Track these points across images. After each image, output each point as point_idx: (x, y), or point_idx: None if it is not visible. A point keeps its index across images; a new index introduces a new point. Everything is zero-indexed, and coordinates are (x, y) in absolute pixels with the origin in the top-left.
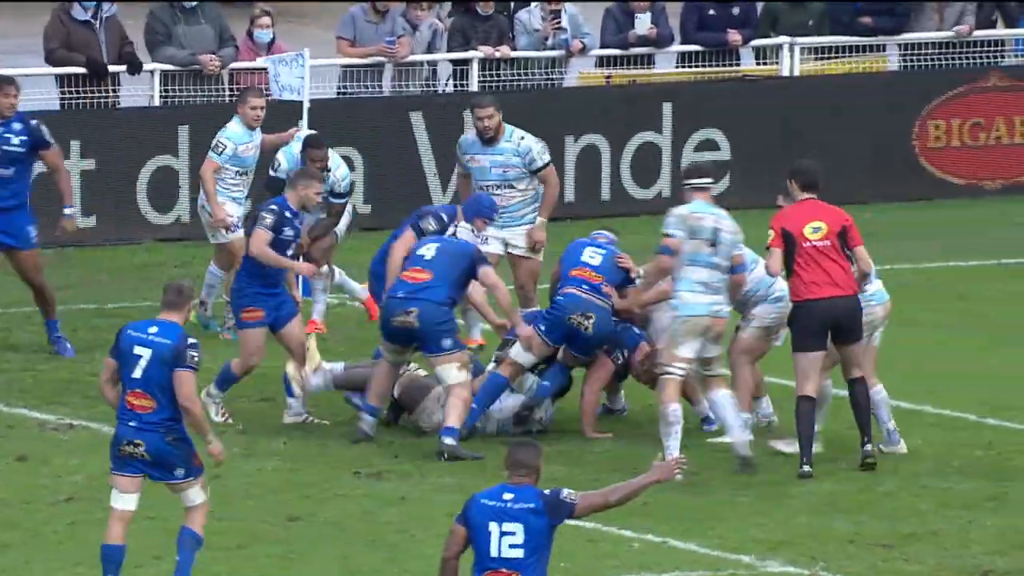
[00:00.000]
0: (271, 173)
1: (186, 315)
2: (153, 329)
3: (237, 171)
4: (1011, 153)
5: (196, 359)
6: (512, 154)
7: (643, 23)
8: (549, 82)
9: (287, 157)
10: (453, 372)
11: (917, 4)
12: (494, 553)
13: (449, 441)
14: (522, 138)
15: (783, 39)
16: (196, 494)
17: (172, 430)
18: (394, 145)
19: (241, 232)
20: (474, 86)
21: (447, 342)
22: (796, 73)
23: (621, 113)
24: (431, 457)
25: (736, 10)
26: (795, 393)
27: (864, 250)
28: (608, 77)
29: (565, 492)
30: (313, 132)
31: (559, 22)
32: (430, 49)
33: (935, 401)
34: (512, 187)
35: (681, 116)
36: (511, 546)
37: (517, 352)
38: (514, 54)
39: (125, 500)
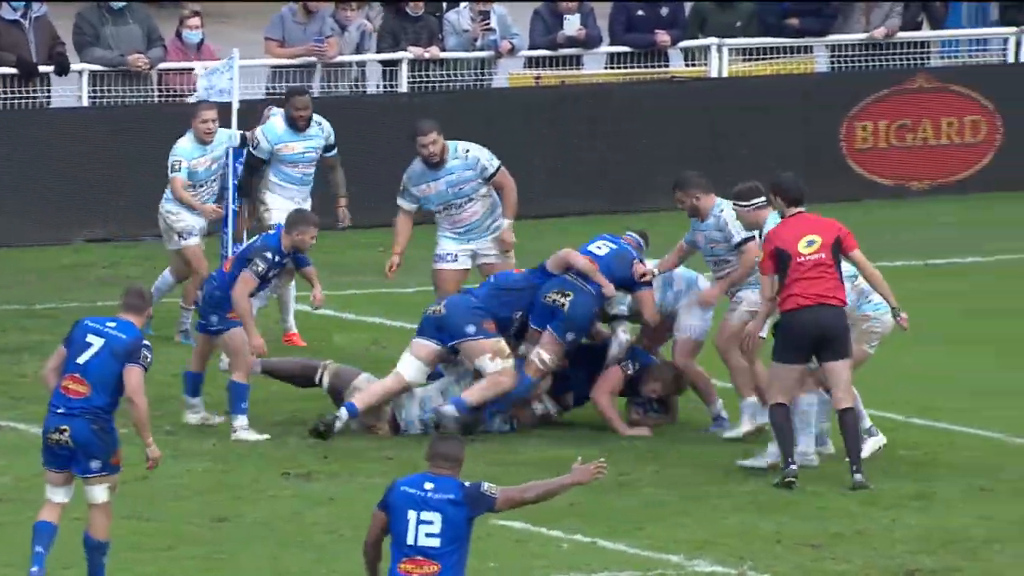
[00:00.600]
0: (250, 149)
1: (144, 319)
2: (112, 324)
3: (195, 183)
4: (937, 154)
5: (148, 359)
6: (463, 169)
7: (572, 24)
8: (478, 83)
9: (268, 135)
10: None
11: (844, 6)
12: (411, 541)
13: (449, 409)
14: (467, 151)
15: (711, 40)
16: (101, 492)
17: (100, 419)
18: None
19: (195, 240)
20: (403, 87)
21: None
22: (724, 74)
23: (550, 114)
24: (360, 458)
25: (664, 11)
26: (767, 402)
27: (860, 253)
28: (537, 78)
29: (485, 486)
30: (296, 85)
31: (488, 23)
32: (359, 50)
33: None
34: (471, 200)
35: (610, 117)
36: (428, 535)
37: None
38: (443, 55)
39: (57, 493)
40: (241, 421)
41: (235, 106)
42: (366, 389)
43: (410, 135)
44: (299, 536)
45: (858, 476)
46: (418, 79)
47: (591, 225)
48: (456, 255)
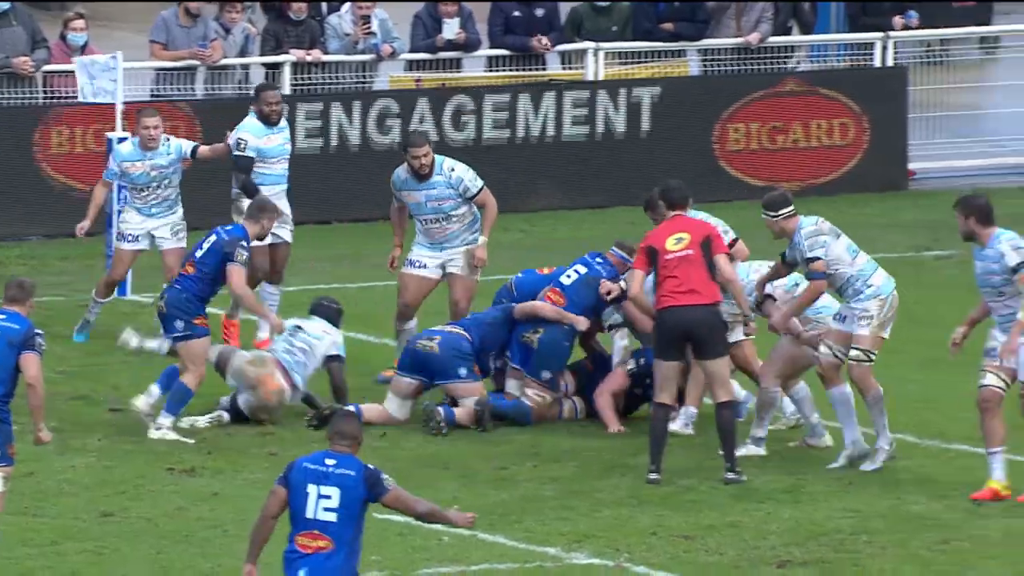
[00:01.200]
0: (236, 153)
1: (29, 309)
2: (1, 316)
3: (134, 187)
4: (807, 156)
5: (43, 346)
6: (445, 187)
7: (451, 28)
8: (360, 85)
9: (252, 131)
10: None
11: (716, 11)
12: (309, 514)
13: (441, 411)
14: (452, 169)
15: (588, 44)
16: None
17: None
18: None
19: (127, 246)
20: (286, 89)
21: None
22: (601, 77)
23: (431, 115)
24: (244, 454)
25: (540, 12)
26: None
27: (724, 259)
28: (418, 80)
29: (385, 475)
30: (264, 82)
31: (369, 27)
32: (244, 53)
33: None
34: (449, 217)
35: (488, 119)
36: (326, 509)
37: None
38: (325, 58)
39: None
40: (168, 420)
41: (119, 108)
42: (373, 408)
43: (402, 145)
44: (183, 531)
45: (730, 475)
46: (301, 82)
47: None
48: (425, 263)
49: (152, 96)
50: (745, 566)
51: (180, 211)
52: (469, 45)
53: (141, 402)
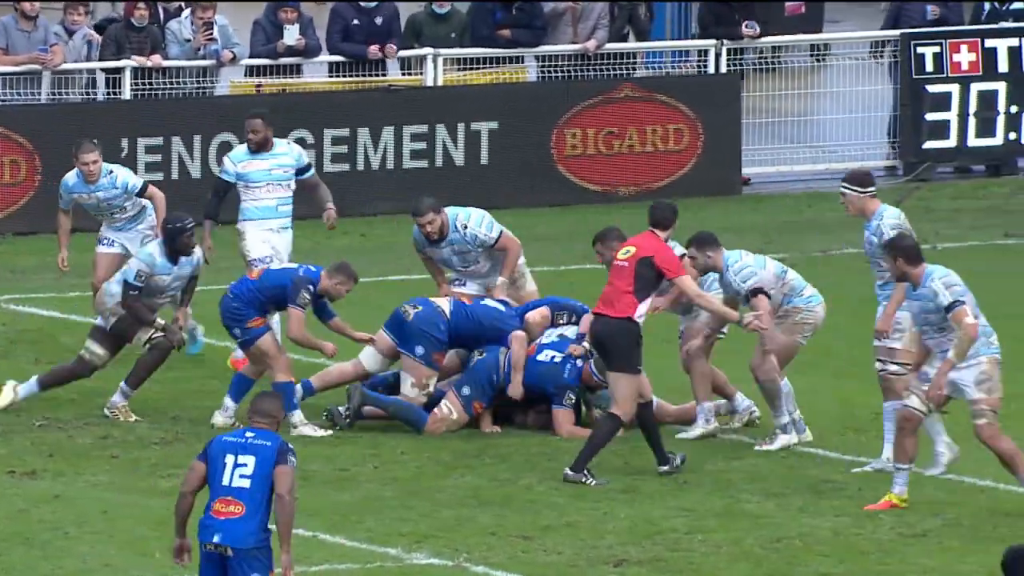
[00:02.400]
0: (218, 175)
1: None
2: None
3: (90, 212)
4: (643, 161)
5: None
6: (462, 243)
7: (292, 34)
8: (201, 90)
9: (233, 156)
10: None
11: (553, 17)
12: (225, 482)
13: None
14: (464, 226)
15: (427, 50)
16: None
17: None
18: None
19: (103, 249)
20: (127, 94)
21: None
22: (440, 83)
23: (272, 120)
24: (86, 456)
25: (379, 20)
26: None
27: (686, 280)
28: (259, 86)
29: (294, 458)
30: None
31: (211, 33)
32: (89, 58)
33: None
34: (479, 262)
35: (328, 124)
36: (241, 476)
37: None
38: (166, 63)
39: None
40: (297, 417)
41: None
42: (327, 370)
43: (410, 212)
44: (24, 534)
45: (663, 468)
46: (141, 87)
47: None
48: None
49: None
50: (583, 565)
51: (148, 219)
52: (309, 51)
53: (220, 419)
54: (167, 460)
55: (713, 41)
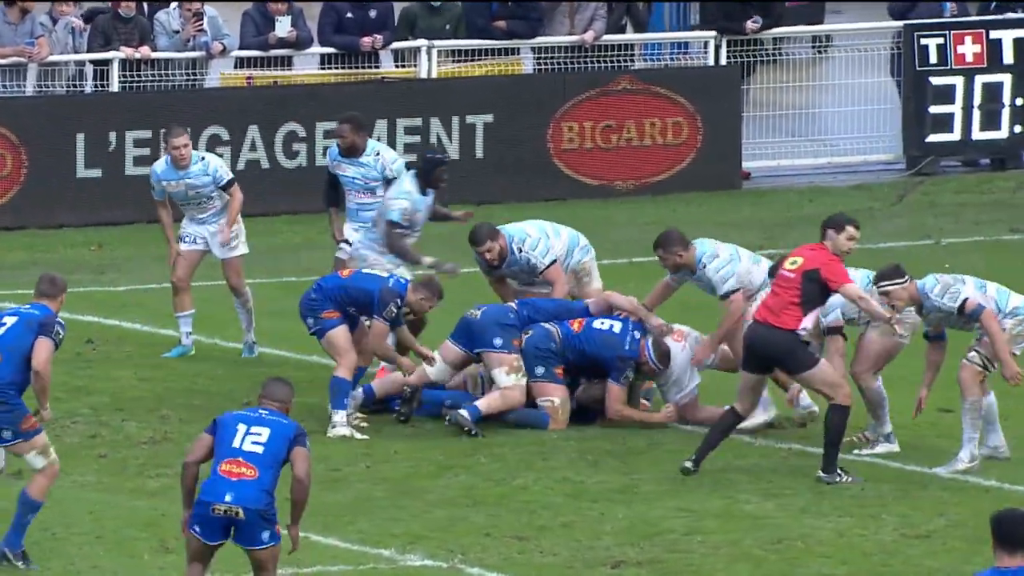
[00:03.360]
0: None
1: (59, 305)
2: (27, 305)
3: (176, 202)
4: (641, 155)
5: (60, 336)
6: (524, 267)
7: (283, 26)
8: (190, 82)
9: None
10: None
11: (549, 9)
12: (236, 445)
13: (464, 413)
14: (520, 249)
15: (421, 42)
16: (33, 458)
17: (2, 393)
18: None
19: (184, 246)
20: (115, 86)
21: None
22: (434, 75)
23: (263, 113)
24: (73, 457)
25: (373, 13)
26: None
27: (850, 288)
28: (249, 78)
29: (307, 438)
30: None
31: (201, 24)
32: (75, 49)
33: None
34: (533, 284)
35: (320, 117)
36: (254, 442)
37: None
38: (155, 55)
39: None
40: (339, 416)
41: None
42: (390, 377)
43: (468, 240)
44: None
45: (822, 475)
46: (130, 79)
47: (300, 224)
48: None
49: None
50: (579, 566)
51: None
52: (301, 43)
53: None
54: (155, 460)
55: (713, 33)
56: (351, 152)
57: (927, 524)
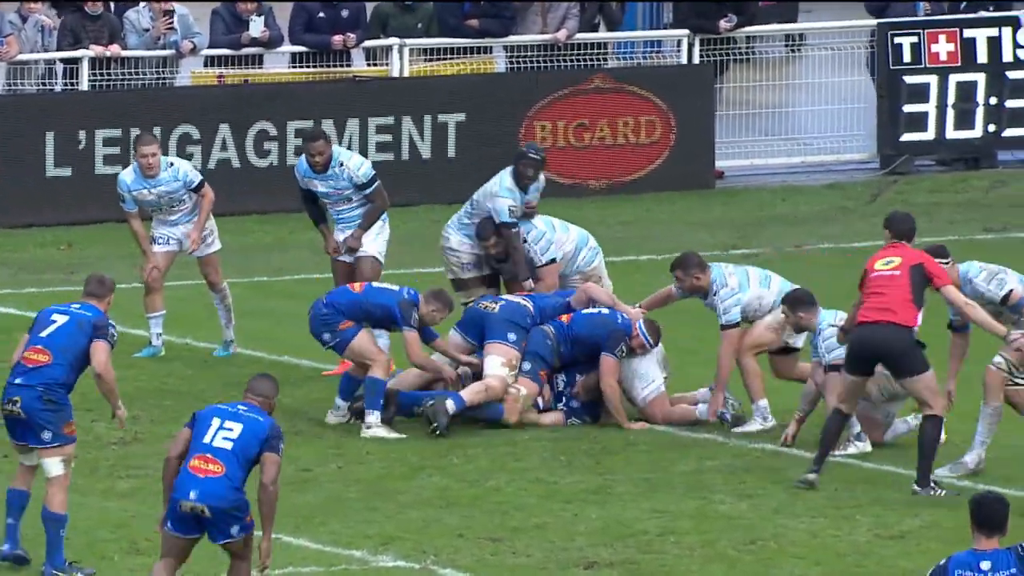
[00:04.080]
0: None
1: (107, 305)
2: (76, 305)
3: (149, 209)
4: (614, 153)
5: (114, 337)
6: (526, 260)
7: (257, 25)
8: (160, 81)
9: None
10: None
11: (521, 8)
12: (207, 440)
13: (449, 403)
14: (529, 251)
15: (393, 40)
16: (54, 465)
17: (52, 391)
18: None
19: (159, 248)
20: (84, 85)
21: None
22: (406, 74)
23: (232, 112)
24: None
25: (345, 12)
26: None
27: (952, 290)
28: (220, 77)
29: (283, 445)
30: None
31: (171, 22)
32: (45, 47)
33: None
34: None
35: (292, 115)
36: (225, 438)
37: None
38: (125, 53)
39: (27, 459)
40: (373, 417)
41: None
42: (473, 388)
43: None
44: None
45: (917, 488)
46: (99, 78)
47: (271, 223)
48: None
49: None
50: (552, 568)
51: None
52: (272, 42)
53: (332, 419)
54: (125, 461)
55: (686, 32)
56: (324, 167)
57: (901, 525)
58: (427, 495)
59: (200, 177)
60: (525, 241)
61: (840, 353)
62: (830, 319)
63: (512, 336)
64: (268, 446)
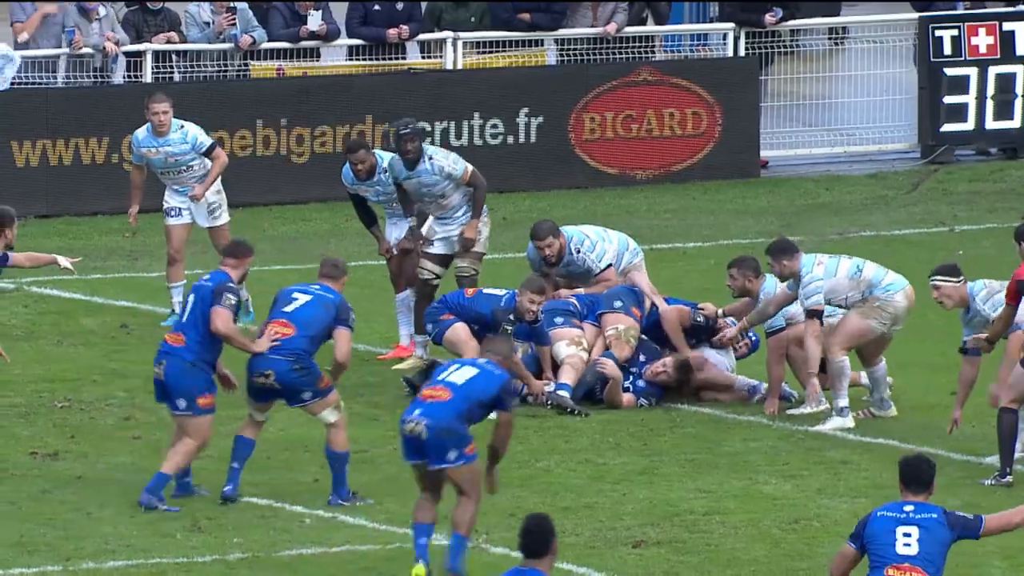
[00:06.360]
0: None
1: (341, 286)
2: (315, 286)
3: (155, 171)
4: (660, 145)
5: (354, 321)
6: (580, 268)
7: (315, 20)
8: (221, 74)
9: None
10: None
11: (573, 2)
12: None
13: (563, 393)
14: (578, 251)
15: (447, 34)
16: (328, 414)
17: (301, 360)
18: None
19: (173, 221)
20: (148, 78)
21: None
22: (460, 66)
23: (295, 104)
24: (108, 437)
25: (400, 7)
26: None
27: None
28: (279, 69)
29: (514, 403)
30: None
31: (233, 17)
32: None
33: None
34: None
35: (352, 107)
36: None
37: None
38: (187, 47)
39: (258, 414)
40: None
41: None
42: (571, 365)
43: (530, 235)
44: (47, 515)
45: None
46: (162, 71)
47: (334, 211)
48: None
49: (11, 85)
50: (601, 546)
51: (216, 188)
52: (330, 36)
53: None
54: None
55: (731, 25)
56: (368, 175)
57: (940, 504)
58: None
59: (211, 141)
60: (579, 251)
61: (818, 299)
62: (807, 267)
63: (559, 320)
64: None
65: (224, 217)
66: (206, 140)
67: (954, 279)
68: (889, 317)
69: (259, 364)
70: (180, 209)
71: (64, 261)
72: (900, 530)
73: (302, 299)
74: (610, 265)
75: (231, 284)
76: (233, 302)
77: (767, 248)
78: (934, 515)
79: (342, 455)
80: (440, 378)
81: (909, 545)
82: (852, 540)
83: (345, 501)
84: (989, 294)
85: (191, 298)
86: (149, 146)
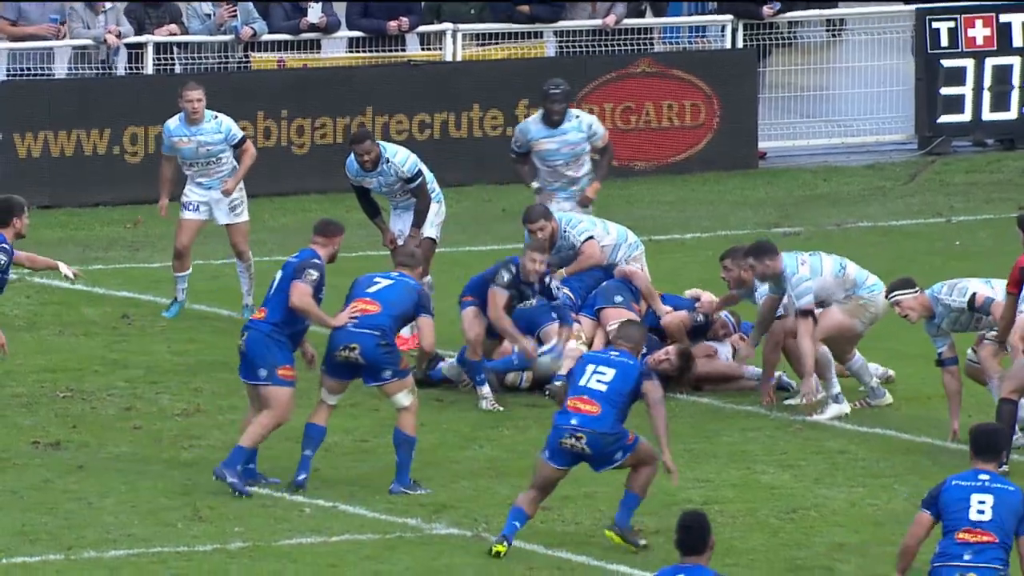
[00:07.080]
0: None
1: (418, 275)
2: (396, 272)
3: (184, 162)
4: (659, 136)
5: (432, 310)
6: (568, 248)
7: (315, 12)
8: (222, 65)
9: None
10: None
11: None
12: (582, 383)
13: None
14: (569, 236)
15: (447, 26)
16: (403, 397)
17: (386, 336)
18: None
19: (188, 215)
20: (149, 69)
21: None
22: (459, 58)
23: (296, 96)
24: (109, 427)
25: None
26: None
27: None
28: (280, 61)
29: (652, 382)
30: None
31: (234, 9)
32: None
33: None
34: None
35: (352, 99)
36: (599, 381)
37: None
38: (187, 38)
39: (331, 398)
40: (485, 390)
41: None
42: (571, 359)
43: (522, 219)
44: (48, 503)
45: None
46: (163, 63)
47: (334, 202)
48: None
49: (7, 76)
50: (601, 535)
51: (239, 185)
52: (330, 27)
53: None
54: (189, 431)
55: (730, 17)
56: (373, 165)
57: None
58: (479, 465)
59: (243, 133)
60: (566, 232)
61: (810, 299)
62: (792, 267)
63: (554, 315)
64: (640, 384)
65: (245, 215)
66: (238, 132)
67: (911, 290)
68: (870, 317)
69: (345, 337)
70: (199, 204)
71: (66, 269)
72: (975, 497)
73: (384, 282)
74: (591, 237)
75: (316, 260)
76: (314, 277)
77: (747, 250)
78: (1010, 488)
79: (411, 439)
80: (581, 383)
81: (983, 512)
82: (927, 507)
83: (409, 490)
84: (951, 287)
85: (278, 274)
86: (181, 135)
